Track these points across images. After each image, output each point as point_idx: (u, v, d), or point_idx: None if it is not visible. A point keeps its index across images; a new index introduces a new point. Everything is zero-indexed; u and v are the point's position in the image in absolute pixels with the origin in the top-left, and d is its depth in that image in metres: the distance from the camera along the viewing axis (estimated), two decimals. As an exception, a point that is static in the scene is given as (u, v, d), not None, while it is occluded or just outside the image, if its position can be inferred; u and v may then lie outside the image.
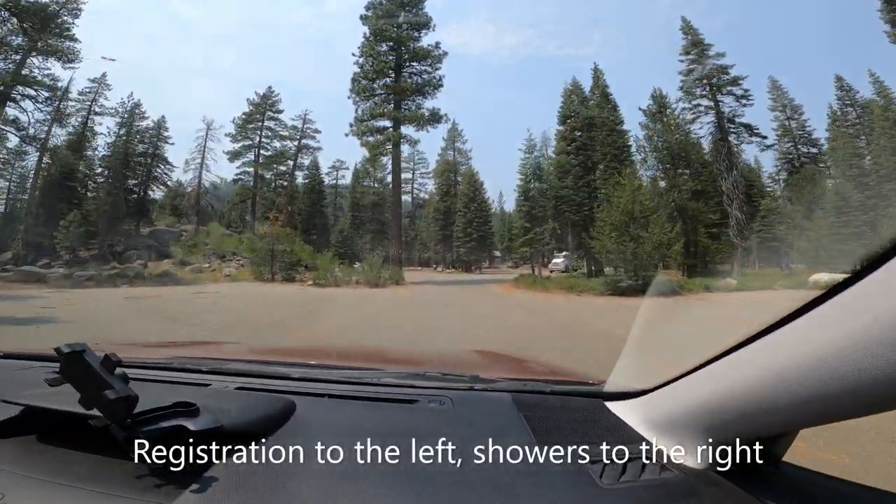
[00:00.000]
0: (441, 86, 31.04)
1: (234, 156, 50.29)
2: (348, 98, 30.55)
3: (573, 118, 31.06)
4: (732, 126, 29.33)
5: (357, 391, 1.02)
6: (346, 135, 29.97)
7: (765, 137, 29.64)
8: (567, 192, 26.50)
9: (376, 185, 63.14)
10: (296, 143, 58.46)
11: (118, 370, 0.65)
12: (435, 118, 30.67)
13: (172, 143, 44.88)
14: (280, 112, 51.40)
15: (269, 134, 52.86)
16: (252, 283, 25.89)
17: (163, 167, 43.53)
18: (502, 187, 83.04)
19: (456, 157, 58.08)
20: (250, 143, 51.31)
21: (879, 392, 0.44)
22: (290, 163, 57.58)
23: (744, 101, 29.39)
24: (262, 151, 49.91)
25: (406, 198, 70.22)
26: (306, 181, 52.15)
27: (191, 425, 0.66)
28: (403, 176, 68.90)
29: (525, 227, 28.48)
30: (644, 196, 18.60)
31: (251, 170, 51.06)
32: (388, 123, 30.20)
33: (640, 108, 30.72)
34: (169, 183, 44.61)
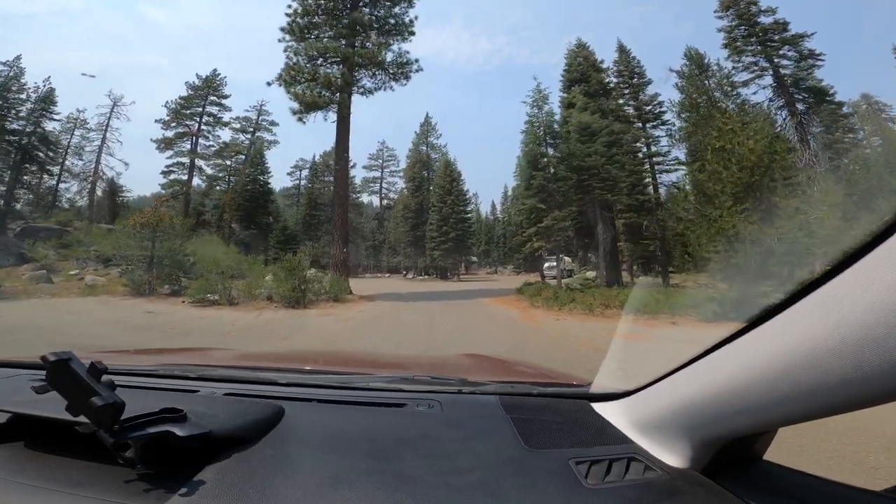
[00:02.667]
0: (413, 33, 21.58)
1: (165, 144, 40.66)
2: (280, 41, 20.77)
3: (583, 83, 22.40)
4: (797, 91, 21.45)
5: (346, 396, 1.00)
6: (269, 84, 20.20)
7: (841, 105, 21.73)
8: (597, 161, 17.43)
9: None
10: (248, 135, 49.48)
11: (105, 377, 0.63)
12: (403, 69, 21.27)
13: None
14: (226, 97, 42.65)
15: (211, 121, 43.14)
16: (113, 297, 15.92)
17: (44, 150, 32.60)
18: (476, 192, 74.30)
19: (429, 153, 48.94)
20: (186, 130, 41.53)
21: (849, 392, 0.44)
22: (242, 157, 48.93)
23: (811, 62, 21.53)
24: (203, 141, 41.38)
25: (373, 198, 61.41)
26: (247, 172, 42.17)
27: (178, 431, 0.64)
28: (370, 175, 59.68)
29: (538, 211, 19.02)
30: (781, 143, 9.44)
31: (186, 160, 40.99)
32: (335, 77, 20.54)
33: (671, 69, 22.50)
34: (53, 170, 33.65)
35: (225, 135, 42.32)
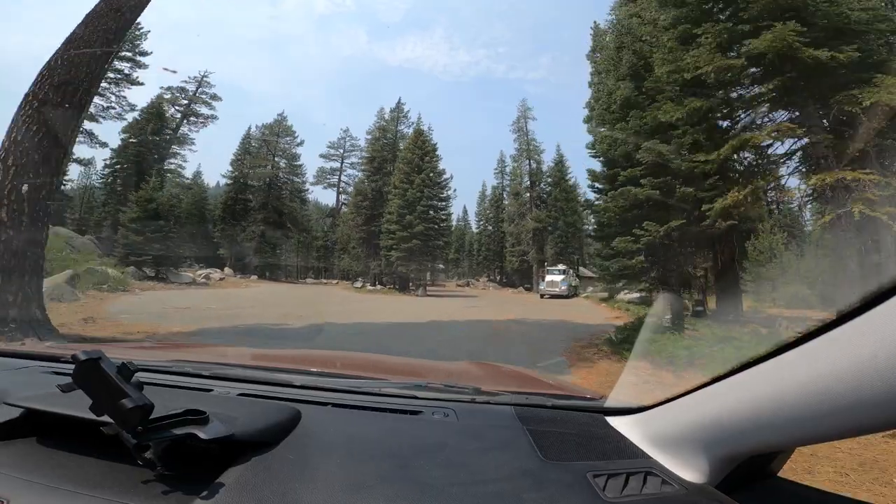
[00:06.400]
0: None
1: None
2: None
3: None
4: None
5: (360, 401, 0.96)
6: None
7: None
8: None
9: (277, 157, 40.11)
10: (181, 108, 35.87)
11: (134, 378, 0.61)
12: None
13: None
14: (146, 54, 31.68)
15: (117, 77, 31.41)
16: None
17: None
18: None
19: (397, 140, 36.82)
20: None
21: (878, 415, 0.45)
22: (169, 131, 35.80)
23: None
24: (100, 101, 30.19)
25: (330, 193, 48.68)
26: (124, 140, 29.29)
27: (202, 433, 0.60)
28: (329, 165, 47.19)
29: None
30: None
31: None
32: None
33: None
34: None
35: (137, 97, 29.78)
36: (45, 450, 0.70)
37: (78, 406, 0.60)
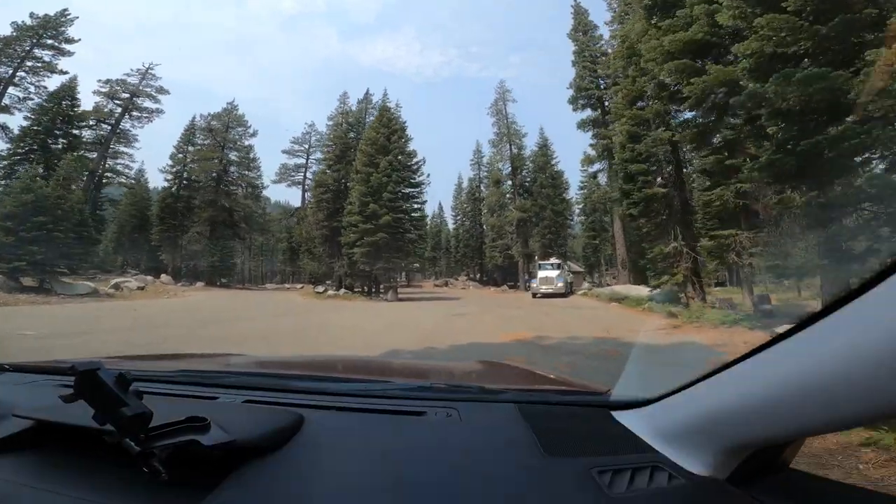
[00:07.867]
0: None
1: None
2: None
3: None
4: None
5: (364, 404, 0.95)
6: None
7: None
8: None
9: (229, 149, 34.78)
10: (121, 102, 32.83)
11: (132, 387, 0.62)
12: None
13: None
14: (72, 42, 27.73)
15: (39, 65, 26.77)
16: None
17: None
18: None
19: (363, 128, 32.18)
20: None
21: (881, 403, 0.42)
22: (108, 126, 30.64)
23: None
24: (16, 92, 25.85)
25: (296, 191, 43.86)
26: (24, 129, 24.15)
27: (203, 440, 0.62)
28: (293, 162, 42.15)
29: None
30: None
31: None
32: None
33: None
34: None
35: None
36: (55, 459, 0.72)
37: (83, 416, 0.61)
